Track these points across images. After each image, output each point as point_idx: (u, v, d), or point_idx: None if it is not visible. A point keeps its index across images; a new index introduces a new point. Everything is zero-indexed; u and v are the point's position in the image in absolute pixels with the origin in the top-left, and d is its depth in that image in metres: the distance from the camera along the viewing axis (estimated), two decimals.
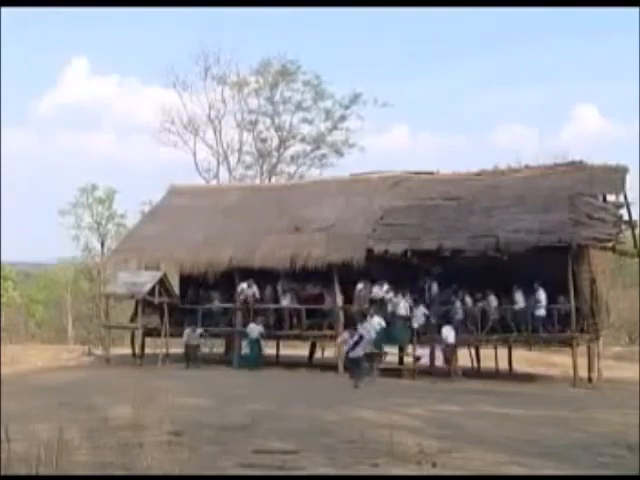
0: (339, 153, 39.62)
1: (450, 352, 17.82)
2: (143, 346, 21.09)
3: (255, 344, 19.40)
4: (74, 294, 42.06)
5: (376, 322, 17.77)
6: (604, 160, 20.19)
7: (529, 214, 18.41)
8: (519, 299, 18.19)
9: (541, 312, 17.93)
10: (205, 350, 22.24)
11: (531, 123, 76.33)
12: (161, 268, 21.69)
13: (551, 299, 17.84)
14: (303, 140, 40.04)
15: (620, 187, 18.89)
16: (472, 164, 22.96)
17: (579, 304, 17.96)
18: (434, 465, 6.94)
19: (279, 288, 20.31)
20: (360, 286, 19.01)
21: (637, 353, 22.57)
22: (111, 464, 6.77)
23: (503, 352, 19.49)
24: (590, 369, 18.46)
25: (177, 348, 20.80)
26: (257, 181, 38.41)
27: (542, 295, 17.91)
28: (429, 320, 18.37)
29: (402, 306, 18.41)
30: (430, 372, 17.63)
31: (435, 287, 18.97)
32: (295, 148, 40.28)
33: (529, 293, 18.09)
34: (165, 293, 20.77)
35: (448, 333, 17.73)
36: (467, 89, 72.39)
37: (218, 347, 23.91)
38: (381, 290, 18.86)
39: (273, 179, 38.84)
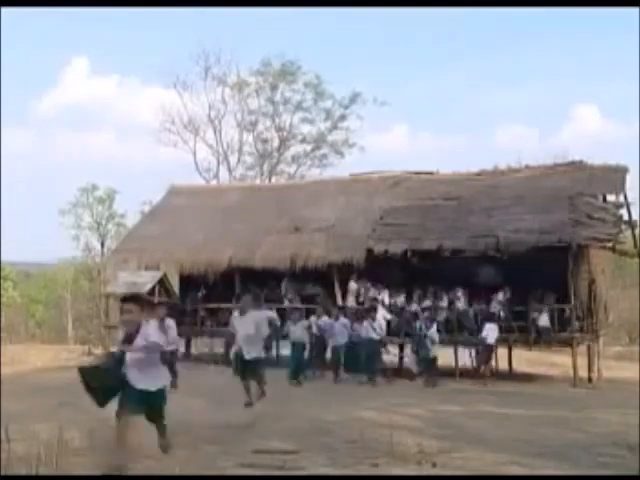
0: (339, 153, 39.71)
1: (486, 353, 17.30)
2: None
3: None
4: (74, 294, 42.07)
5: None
6: (604, 160, 20.23)
7: (529, 214, 18.43)
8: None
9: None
10: (205, 350, 22.26)
11: (531, 123, 76.49)
12: (161, 268, 21.70)
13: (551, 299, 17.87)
14: (303, 140, 40.10)
15: (620, 187, 18.91)
16: (472, 164, 23.02)
17: (579, 304, 17.98)
18: (434, 465, 6.94)
19: (282, 289, 20.35)
20: (355, 286, 19.14)
21: (637, 353, 22.58)
22: (111, 464, 6.76)
23: (503, 352, 19.49)
24: (590, 369, 18.47)
25: None
26: (257, 181, 38.45)
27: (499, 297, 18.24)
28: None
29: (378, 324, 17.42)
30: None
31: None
32: (295, 148, 40.37)
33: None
34: (165, 293, 20.78)
35: (488, 332, 17.10)
36: (467, 89, 72.44)
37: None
38: (379, 295, 18.86)
39: (273, 179, 38.89)
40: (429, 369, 16.58)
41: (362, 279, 19.38)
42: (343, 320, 17.56)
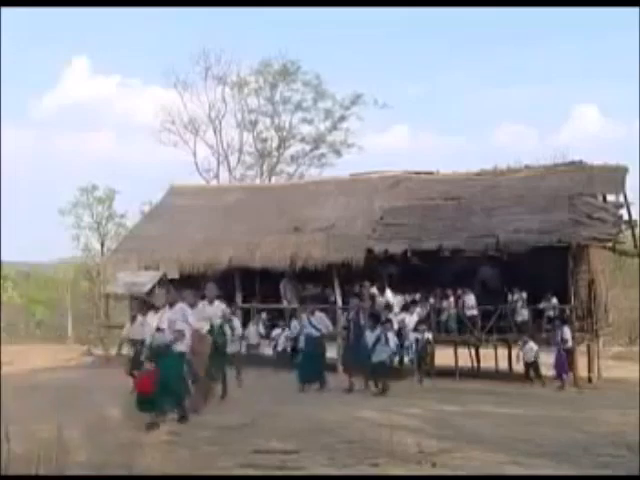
0: (338, 153, 39.75)
1: (569, 356, 16.78)
2: None
3: None
4: (74, 294, 42.05)
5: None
6: (604, 160, 20.24)
7: (529, 214, 18.42)
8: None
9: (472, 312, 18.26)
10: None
11: (531, 123, 76.26)
12: (161, 268, 21.68)
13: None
14: (303, 140, 40.12)
15: (620, 187, 18.91)
16: (472, 164, 23.04)
17: (579, 304, 17.99)
18: (434, 465, 6.94)
19: (281, 288, 20.35)
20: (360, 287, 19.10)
21: (637, 353, 22.57)
22: (111, 464, 6.77)
23: (503, 352, 19.50)
24: (590, 369, 18.48)
25: None
26: (257, 181, 38.48)
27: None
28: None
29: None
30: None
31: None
32: (295, 148, 40.40)
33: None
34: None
35: (567, 334, 16.65)
36: (467, 89, 72.26)
37: None
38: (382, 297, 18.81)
39: (273, 179, 38.91)
40: (377, 374, 14.23)
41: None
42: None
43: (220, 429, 8.87)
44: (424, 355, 17.12)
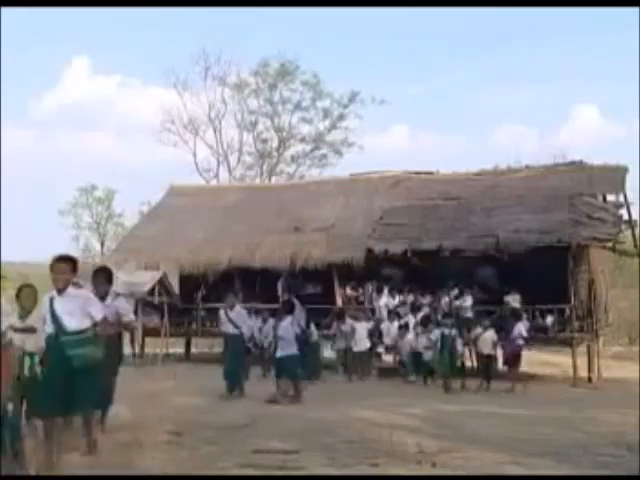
0: (338, 153, 39.82)
1: (517, 353, 16.01)
2: (143, 346, 21.08)
3: None
4: None
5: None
6: (604, 160, 20.30)
7: (529, 214, 18.46)
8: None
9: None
10: (205, 350, 22.27)
11: (531, 123, 76.21)
12: (161, 268, 21.69)
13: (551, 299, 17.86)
14: (303, 140, 40.18)
15: (620, 187, 18.93)
16: (472, 164, 23.10)
17: (579, 304, 17.98)
18: (434, 465, 6.93)
19: (279, 287, 20.32)
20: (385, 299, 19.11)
21: (637, 353, 22.56)
22: (111, 464, 6.77)
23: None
24: (590, 369, 18.47)
25: (177, 348, 20.84)
26: (257, 181, 38.51)
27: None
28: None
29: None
30: None
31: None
32: (295, 148, 40.47)
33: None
34: (165, 293, 20.77)
35: (521, 331, 15.93)
36: (467, 89, 72.22)
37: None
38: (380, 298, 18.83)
39: (273, 179, 38.96)
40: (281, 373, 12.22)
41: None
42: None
43: (220, 429, 8.86)
44: (454, 356, 15.52)
